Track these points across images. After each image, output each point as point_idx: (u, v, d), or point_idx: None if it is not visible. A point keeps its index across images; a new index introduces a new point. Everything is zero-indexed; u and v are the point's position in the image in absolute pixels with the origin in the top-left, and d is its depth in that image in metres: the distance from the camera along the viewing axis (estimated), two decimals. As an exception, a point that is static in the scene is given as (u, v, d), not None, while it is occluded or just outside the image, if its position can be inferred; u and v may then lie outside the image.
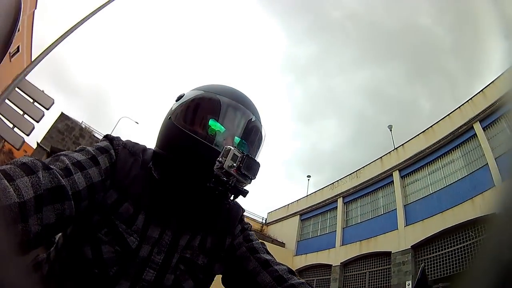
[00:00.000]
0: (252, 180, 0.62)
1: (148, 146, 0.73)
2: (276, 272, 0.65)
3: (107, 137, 0.67)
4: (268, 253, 0.72)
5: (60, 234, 0.64)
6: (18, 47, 13.03)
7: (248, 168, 0.59)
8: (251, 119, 0.69)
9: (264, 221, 20.65)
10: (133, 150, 0.67)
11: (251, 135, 0.70)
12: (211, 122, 0.65)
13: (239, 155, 0.58)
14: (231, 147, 0.59)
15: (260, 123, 0.73)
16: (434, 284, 8.41)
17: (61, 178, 0.48)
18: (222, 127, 0.65)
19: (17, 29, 0.34)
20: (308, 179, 20.32)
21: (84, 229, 0.58)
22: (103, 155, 0.61)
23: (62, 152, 0.57)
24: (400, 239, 11.22)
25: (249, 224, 0.80)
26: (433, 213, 10.39)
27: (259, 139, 0.74)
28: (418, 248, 10.62)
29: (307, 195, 17.97)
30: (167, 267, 0.61)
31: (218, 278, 0.75)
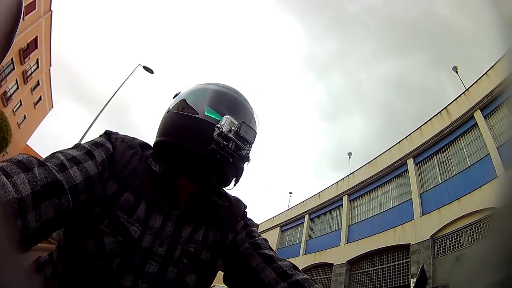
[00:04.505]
0: (251, 145, 0.66)
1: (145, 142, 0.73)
2: (280, 268, 0.64)
3: (105, 132, 0.68)
4: (271, 249, 0.72)
5: (62, 234, 0.63)
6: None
7: (246, 132, 0.64)
8: (244, 104, 0.74)
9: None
10: (131, 143, 0.67)
11: (245, 118, 0.73)
12: (207, 108, 0.68)
13: (236, 122, 0.64)
14: (227, 115, 0.64)
15: (251, 108, 0.76)
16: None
17: (56, 173, 0.48)
18: (217, 112, 0.68)
19: (18, 30, 0.33)
20: (290, 196, 22.72)
21: (85, 223, 0.57)
22: (98, 148, 0.61)
23: (57, 150, 0.56)
24: (339, 254, 13.42)
25: (252, 220, 0.79)
26: (366, 235, 12.46)
27: (251, 121, 0.76)
28: (354, 263, 12.75)
29: (286, 210, 20.55)
30: (169, 260, 0.61)
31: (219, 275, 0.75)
